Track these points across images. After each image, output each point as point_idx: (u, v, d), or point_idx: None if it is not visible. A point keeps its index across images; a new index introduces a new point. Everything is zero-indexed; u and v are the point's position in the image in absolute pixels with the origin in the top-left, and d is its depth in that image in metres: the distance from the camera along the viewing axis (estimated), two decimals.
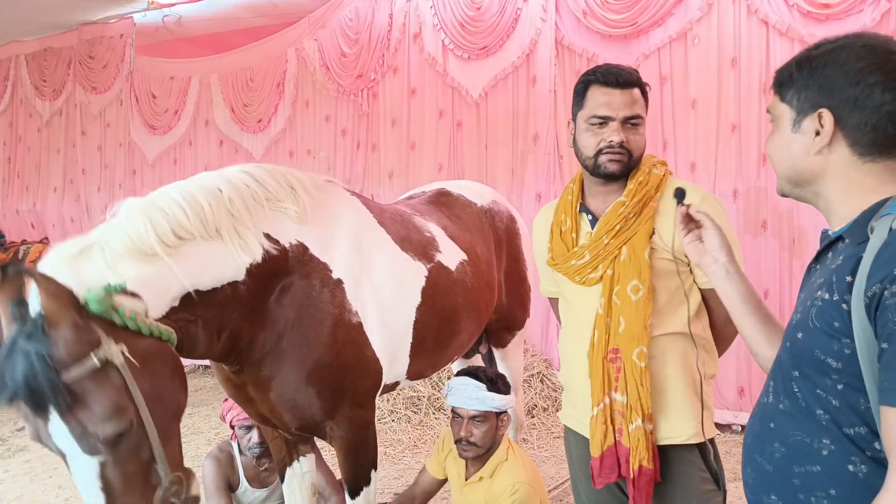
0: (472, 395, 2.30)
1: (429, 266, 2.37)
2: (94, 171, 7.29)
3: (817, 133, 1.08)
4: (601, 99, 1.72)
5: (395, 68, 5.68)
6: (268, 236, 1.89)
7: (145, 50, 6.98)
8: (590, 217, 1.81)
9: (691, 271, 1.73)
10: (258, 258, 1.84)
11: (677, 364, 1.70)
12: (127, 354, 1.44)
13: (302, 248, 1.98)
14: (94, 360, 1.38)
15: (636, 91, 1.74)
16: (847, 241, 1.07)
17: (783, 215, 4.21)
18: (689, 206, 1.43)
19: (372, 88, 5.81)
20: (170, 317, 1.66)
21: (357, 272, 2.08)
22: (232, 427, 2.68)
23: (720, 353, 1.82)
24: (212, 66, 6.63)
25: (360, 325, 2.05)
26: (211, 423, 4.96)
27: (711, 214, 1.45)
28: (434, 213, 2.68)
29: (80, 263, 1.53)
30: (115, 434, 1.40)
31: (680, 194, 1.43)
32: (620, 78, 1.72)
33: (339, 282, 2.03)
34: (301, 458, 2.36)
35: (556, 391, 4.86)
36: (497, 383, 2.34)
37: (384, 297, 2.14)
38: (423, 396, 4.74)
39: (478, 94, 5.32)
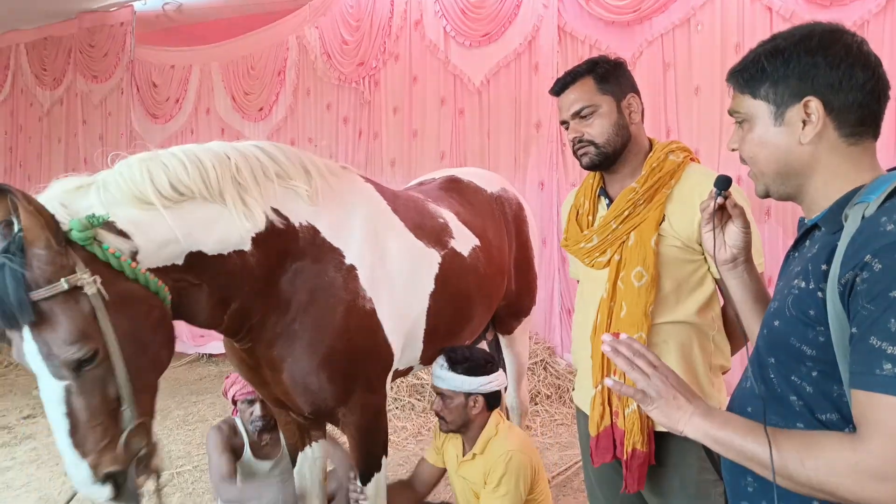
0: (437, 373, 2.36)
1: (442, 253, 2.37)
2: (96, 160, 7.27)
3: (804, 123, 1.08)
4: (559, 107, 1.84)
5: (397, 56, 5.66)
6: (276, 211, 1.89)
7: (146, 38, 6.95)
8: (607, 201, 1.84)
9: (706, 260, 1.72)
10: (261, 227, 1.83)
11: (679, 353, 1.71)
12: (100, 287, 1.48)
13: (313, 231, 1.98)
14: (64, 284, 1.43)
15: (578, 85, 1.78)
16: (823, 229, 1.09)
17: (787, 204, 4.20)
18: (728, 197, 1.36)
19: (373, 76, 5.79)
20: (169, 273, 1.68)
21: (370, 259, 2.08)
22: (234, 403, 2.71)
23: (740, 348, 1.79)
24: (212, 54, 6.60)
25: (374, 311, 2.05)
26: (215, 411, 4.99)
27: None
28: (446, 199, 2.68)
29: (74, 196, 1.57)
30: (76, 360, 1.45)
31: (724, 182, 1.34)
32: (557, 85, 1.83)
33: (352, 268, 2.03)
34: (313, 443, 2.38)
35: (559, 379, 4.88)
36: (463, 364, 2.33)
37: (397, 284, 2.15)
38: (427, 384, 4.76)
39: (480, 82, 5.30)
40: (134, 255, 1.59)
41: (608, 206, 1.82)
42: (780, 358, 1.09)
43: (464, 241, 2.51)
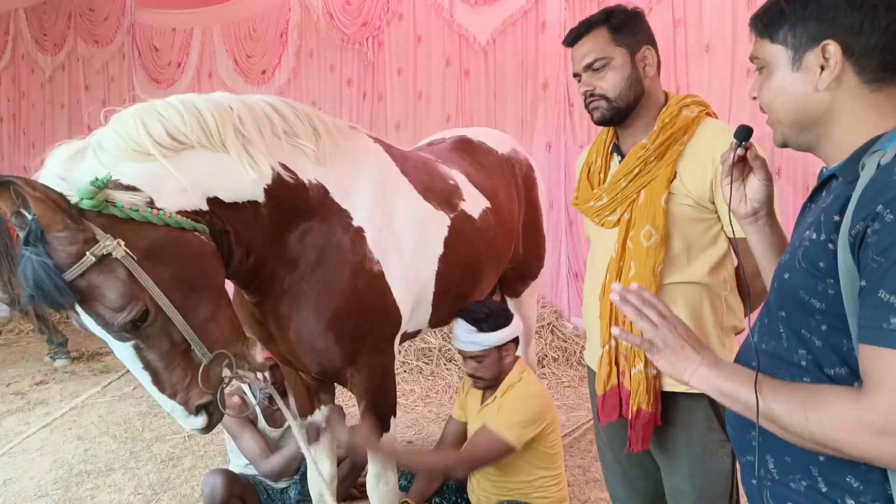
0: (466, 340, 2.34)
1: (452, 216, 2.34)
2: (100, 126, 7.24)
3: (822, 67, 1.03)
4: (572, 59, 1.78)
5: (401, 15, 5.55)
6: (284, 166, 1.87)
7: (146, 1, 6.84)
8: (619, 158, 1.78)
9: (718, 219, 1.68)
10: (268, 179, 1.81)
11: (687, 314, 1.68)
12: (124, 248, 1.49)
13: (322, 191, 1.96)
14: (91, 257, 1.44)
15: (590, 36, 1.72)
16: (840, 179, 1.05)
17: (797, 162, 4.13)
18: (749, 148, 1.30)
19: (377, 37, 5.68)
20: (197, 219, 1.68)
21: (378, 221, 2.06)
22: None
23: (753, 308, 1.77)
24: (214, 16, 6.50)
25: (382, 273, 2.04)
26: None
27: None
28: (457, 160, 2.64)
29: (73, 166, 1.56)
30: (130, 322, 1.49)
31: (744, 133, 1.28)
32: (570, 36, 1.77)
33: (360, 230, 2.01)
34: (322, 406, 2.38)
35: (566, 342, 4.89)
36: (488, 321, 2.33)
37: (406, 247, 2.13)
38: (434, 348, 4.78)
39: (485, 41, 5.19)
40: (152, 204, 1.59)
41: (620, 163, 1.77)
42: (789, 312, 1.07)
43: (474, 203, 2.48)
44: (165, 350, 1.57)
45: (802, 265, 1.03)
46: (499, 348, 2.35)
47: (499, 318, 2.36)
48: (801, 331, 1.04)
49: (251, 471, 2.79)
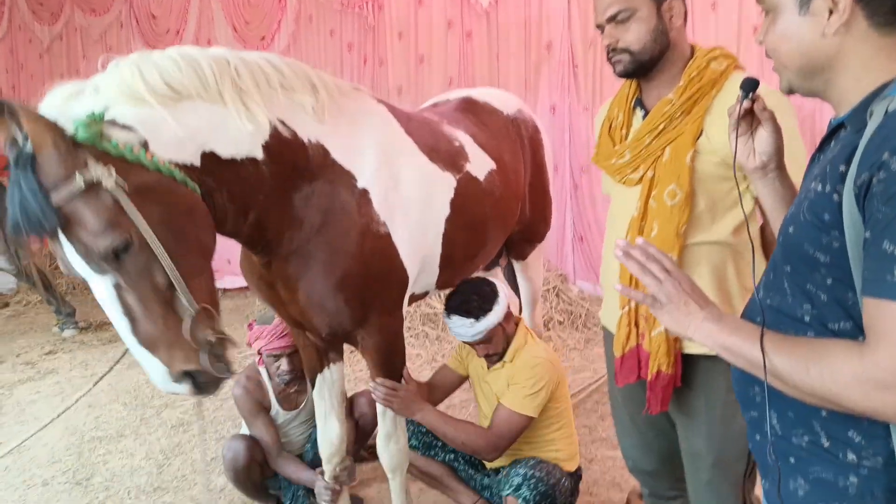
0: (468, 333, 2.34)
1: (458, 177, 2.32)
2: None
3: (830, 11, 0.99)
4: (594, 9, 1.70)
5: None
6: (282, 122, 1.85)
7: None
8: (643, 113, 1.72)
9: (745, 177, 1.58)
10: (266, 133, 1.80)
11: (711, 275, 1.64)
12: (117, 177, 1.48)
13: (323, 151, 1.94)
14: (80, 181, 1.43)
15: None
16: (848, 128, 1.01)
17: (806, 119, 4.07)
18: (756, 100, 1.26)
19: (377, 0, 5.58)
20: (188, 174, 1.66)
21: (384, 183, 2.04)
22: (259, 354, 2.71)
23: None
24: None
25: (388, 235, 2.03)
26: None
27: (785, 121, 1.31)
28: (462, 120, 2.60)
29: (71, 102, 1.55)
30: (109, 249, 1.45)
31: (750, 85, 1.25)
32: None
33: (365, 192, 1.99)
34: (332, 365, 2.40)
35: (571, 305, 4.90)
36: (482, 304, 2.32)
37: (412, 209, 2.11)
38: (439, 312, 4.79)
39: (488, 2, 5.09)
40: (146, 146, 1.58)
41: (643, 118, 1.70)
42: (794, 266, 1.05)
43: (480, 164, 2.45)
44: (147, 293, 1.51)
45: (807, 218, 1.01)
46: (499, 323, 2.35)
47: (488, 298, 2.34)
48: (807, 285, 1.02)
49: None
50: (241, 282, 6.25)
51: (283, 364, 2.65)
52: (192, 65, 1.68)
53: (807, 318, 1.03)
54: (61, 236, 1.45)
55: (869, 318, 0.90)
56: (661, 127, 1.63)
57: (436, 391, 2.63)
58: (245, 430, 2.79)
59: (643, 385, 1.72)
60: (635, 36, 1.62)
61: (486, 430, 2.33)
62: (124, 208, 1.47)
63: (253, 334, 2.67)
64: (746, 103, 1.26)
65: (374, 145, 2.05)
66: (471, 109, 2.73)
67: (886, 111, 0.92)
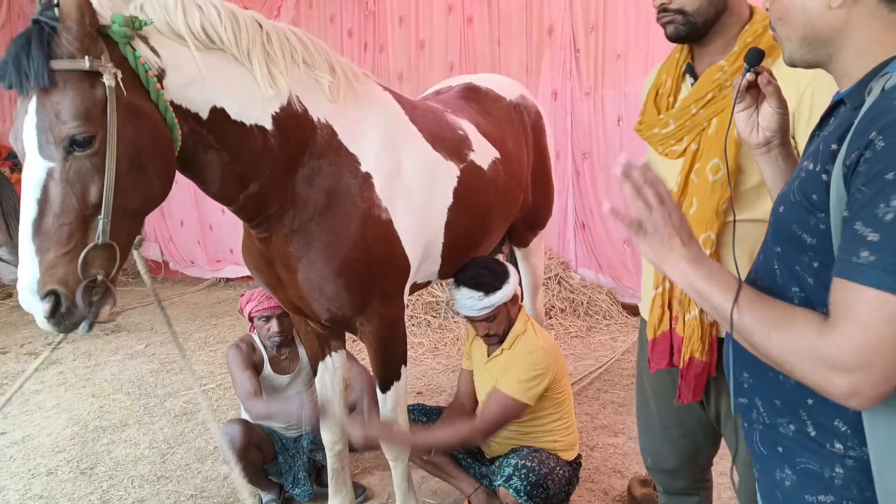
0: (474, 306, 2.32)
1: (461, 166, 2.31)
2: None
3: None
4: None
5: None
6: (297, 97, 1.87)
7: None
8: (692, 81, 1.60)
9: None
10: (284, 101, 1.82)
11: (752, 253, 1.56)
12: (119, 82, 1.47)
13: (330, 132, 1.95)
14: (86, 63, 1.43)
15: None
16: (847, 105, 0.98)
17: None
18: (760, 73, 1.20)
19: None
20: (189, 121, 1.67)
21: (387, 168, 2.03)
22: (251, 320, 2.73)
23: None
24: None
25: (390, 221, 2.02)
26: (235, 332, 5.08)
27: (820, 95, 1.24)
28: (465, 108, 2.59)
29: (117, 1, 1.57)
30: (70, 136, 1.42)
31: (754, 57, 1.19)
32: None
33: (368, 176, 1.99)
34: (333, 353, 2.40)
35: (573, 293, 4.88)
36: (493, 282, 2.31)
37: (415, 196, 2.10)
38: (442, 301, 4.79)
39: None
40: (161, 77, 1.59)
41: (692, 86, 1.59)
42: (784, 247, 1.03)
43: (483, 153, 2.44)
44: (72, 197, 1.44)
45: (797, 198, 0.98)
46: (506, 303, 2.34)
47: (500, 276, 2.33)
48: (795, 267, 1.00)
49: (266, 422, 2.82)
50: (243, 271, 6.25)
51: (273, 325, 2.67)
52: (231, 17, 1.71)
53: (796, 301, 1.01)
54: (34, 100, 1.43)
55: (834, 297, 0.89)
56: (709, 96, 1.51)
57: (468, 399, 2.61)
58: (244, 415, 2.80)
59: (674, 376, 1.64)
60: None
61: (473, 421, 2.32)
62: (107, 111, 1.47)
63: (244, 299, 2.71)
64: (750, 76, 1.20)
65: (379, 131, 2.05)
66: (474, 97, 2.71)
67: (883, 89, 0.89)
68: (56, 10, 1.43)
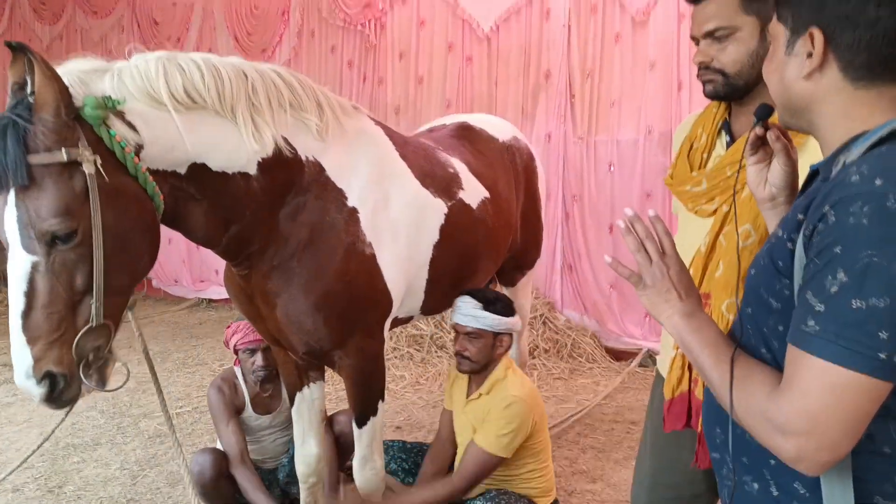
0: (467, 313, 2.32)
1: (449, 204, 2.32)
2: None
3: (809, 55, 0.98)
4: (692, 18, 1.55)
5: None
6: (286, 140, 1.87)
7: None
8: (727, 139, 1.58)
9: None
10: (269, 152, 1.81)
11: None
12: (99, 167, 1.46)
13: (318, 168, 1.95)
14: (63, 154, 1.41)
15: None
16: (821, 175, 1.01)
17: None
18: (769, 129, 1.19)
19: (380, 19, 5.62)
20: (168, 180, 1.66)
21: (373, 203, 2.04)
22: (236, 352, 2.70)
23: None
24: None
25: (374, 256, 2.02)
26: (215, 355, 5.03)
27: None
28: (458, 147, 2.62)
29: (90, 77, 1.55)
30: (52, 233, 1.41)
31: (763, 112, 1.19)
32: None
33: (354, 210, 1.99)
34: (311, 384, 2.37)
35: (557, 334, 4.89)
36: (495, 304, 2.35)
37: (400, 232, 2.11)
38: (426, 335, 4.77)
39: (489, 28, 5.15)
40: (139, 151, 1.58)
41: (728, 145, 1.56)
42: (754, 308, 1.05)
43: (473, 192, 2.46)
44: (60, 287, 1.44)
45: (766, 262, 1.01)
46: (495, 335, 2.35)
47: (504, 306, 2.37)
48: (763, 329, 1.03)
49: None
50: (226, 293, 6.21)
51: (258, 359, 2.64)
52: (214, 75, 1.70)
53: (767, 361, 1.02)
54: (12, 195, 1.40)
55: (787, 362, 0.92)
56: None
57: (449, 442, 2.59)
58: (219, 445, 2.76)
59: (678, 438, 1.61)
60: (732, 57, 1.48)
61: (451, 479, 2.31)
62: (89, 201, 1.45)
63: (230, 330, 2.68)
64: (759, 130, 1.21)
65: (367, 165, 2.06)
66: (467, 136, 2.74)
67: (844, 163, 0.92)
68: (31, 98, 1.40)
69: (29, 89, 1.40)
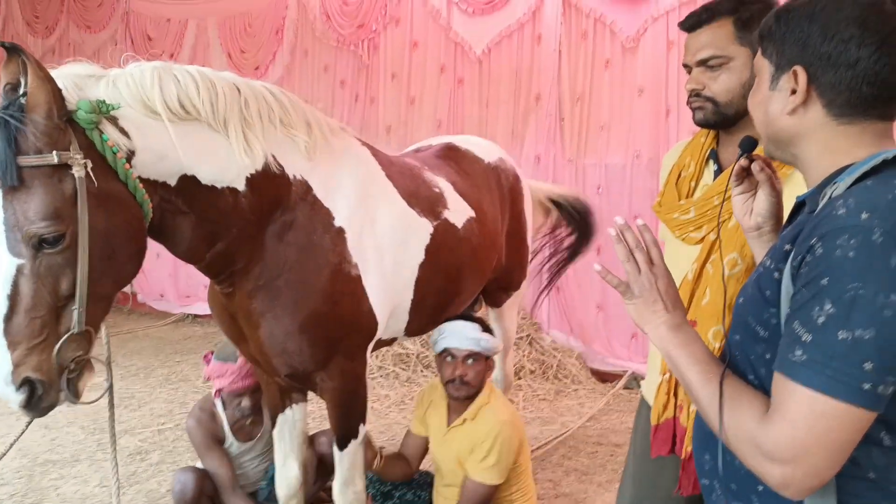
0: (467, 336, 2.31)
1: (435, 223, 2.32)
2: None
3: (793, 92, 1.01)
4: (685, 46, 1.57)
5: (398, 20, 5.55)
6: (274, 157, 1.87)
7: None
8: (715, 168, 1.59)
9: None
10: (259, 167, 1.81)
11: None
12: (89, 171, 1.45)
13: (305, 187, 1.95)
14: (54, 157, 1.40)
15: (712, 27, 1.51)
16: (807, 207, 1.03)
17: None
18: (753, 161, 1.22)
19: (373, 40, 5.68)
20: (158, 190, 1.65)
21: (360, 223, 2.04)
22: (219, 391, 2.66)
23: None
24: (210, 9, 6.46)
25: (360, 277, 2.02)
26: (199, 371, 4.97)
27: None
28: (443, 167, 2.63)
29: (84, 81, 1.54)
30: (40, 236, 1.40)
31: (747, 144, 1.21)
32: (690, 20, 1.55)
33: (341, 230, 1.99)
34: (293, 405, 2.35)
35: (543, 355, 4.89)
36: (488, 327, 2.39)
37: (386, 252, 2.11)
38: (412, 354, 4.76)
39: (481, 51, 5.21)
40: (130, 157, 1.57)
41: (716, 174, 1.58)
42: (741, 336, 1.07)
43: (458, 212, 2.47)
44: (44, 292, 1.42)
45: (753, 291, 1.04)
46: (486, 359, 2.35)
47: (489, 328, 2.40)
48: (750, 356, 1.05)
49: None
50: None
51: (245, 402, 2.61)
52: (209, 88, 1.70)
53: (755, 387, 1.04)
54: (0, 196, 1.40)
55: (774, 390, 0.93)
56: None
57: (411, 459, 2.60)
58: (199, 464, 2.73)
59: (661, 465, 1.62)
60: (724, 86, 1.50)
61: None
62: (77, 205, 1.43)
63: (214, 370, 2.60)
64: (743, 161, 1.23)
65: (354, 185, 2.07)
66: (453, 156, 2.76)
67: (830, 197, 0.95)
68: (23, 99, 1.39)
69: (21, 90, 1.39)
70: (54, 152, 1.40)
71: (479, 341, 2.31)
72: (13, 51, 1.40)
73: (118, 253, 1.54)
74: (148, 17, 6.79)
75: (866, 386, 0.85)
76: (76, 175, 1.43)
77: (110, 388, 1.90)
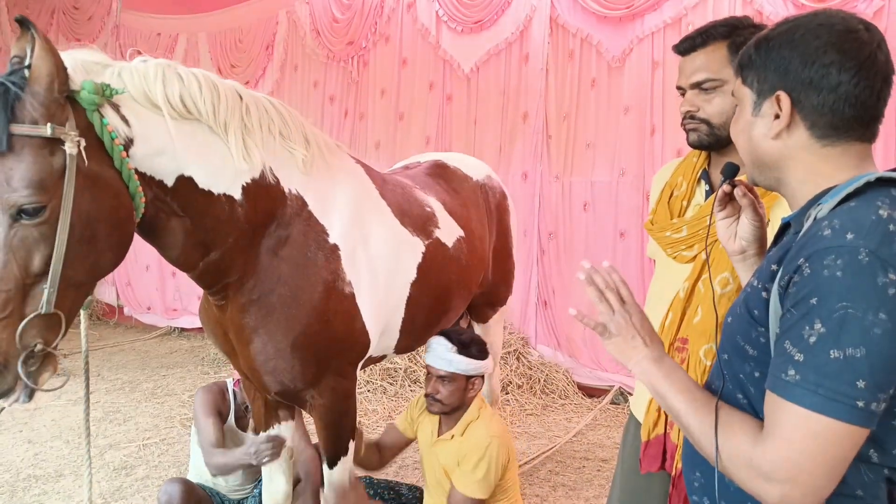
0: (441, 356, 2.33)
1: (426, 242, 2.34)
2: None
3: (776, 116, 1.04)
4: (680, 69, 1.59)
5: (388, 37, 5.61)
6: (271, 169, 1.88)
7: (132, 3, 6.82)
8: (707, 188, 1.62)
9: None
10: (256, 174, 1.82)
11: None
12: (82, 150, 1.43)
13: (301, 203, 1.96)
14: (48, 129, 1.38)
15: (707, 51, 1.53)
16: (792, 228, 1.06)
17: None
18: (735, 186, 1.24)
19: (362, 56, 5.73)
20: (153, 188, 1.64)
21: (354, 241, 2.04)
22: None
23: None
24: (200, 24, 6.49)
25: (353, 295, 2.02)
26: (185, 385, 4.96)
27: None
28: (433, 185, 2.66)
29: (91, 67, 1.55)
30: (20, 205, 1.37)
31: (730, 171, 1.24)
32: (685, 43, 1.57)
33: (335, 247, 2.00)
34: (278, 424, 2.32)
35: (531, 369, 4.91)
36: (470, 348, 2.36)
37: (379, 270, 2.11)
38: (400, 368, 4.76)
39: (469, 69, 5.27)
40: (128, 146, 1.56)
41: (707, 194, 1.60)
42: (730, 355, 1.10)
43: (449, 231, 2.49)
44: (14, 265, 1.37)
45: (742, 311, 1.06)
46: (467, 378, 2.36)
47: (478, 349, 2.39)
48: (740, 375, 1.07)
49: (209, 482, 2.75)
50: (199, 322, 6.14)
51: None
52: (212, 90, 1.71)
53: (744, 406, 1.06)
54: None
55: (766, 409, 0.95)
56: None
57: (385, 451, 2.61)
58: (186, 475, 2.73)
59: (649, 482, 1.63)
60: (718, 109, 1.52)
61: None
62: (64, 181, 1.42)
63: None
64: (726, 187, 1.26)
65: (349, 203, 2.08)
66: (442, 175, 2.79)
67: (815, 218, 0.98)
68: (27, 70, 1.39)
69: (27, 62, 1.40)
70: (49, 125, 1.39)
71: (451, 362, 2.32)
72: (24, 24, 1.41)
73: (99, 239, 1.50)
74: (138, 30, 6.81)
75: (860, 404, 0.87)
76: (68, 151, 1.41)
77: (86, 399, 1.89)
